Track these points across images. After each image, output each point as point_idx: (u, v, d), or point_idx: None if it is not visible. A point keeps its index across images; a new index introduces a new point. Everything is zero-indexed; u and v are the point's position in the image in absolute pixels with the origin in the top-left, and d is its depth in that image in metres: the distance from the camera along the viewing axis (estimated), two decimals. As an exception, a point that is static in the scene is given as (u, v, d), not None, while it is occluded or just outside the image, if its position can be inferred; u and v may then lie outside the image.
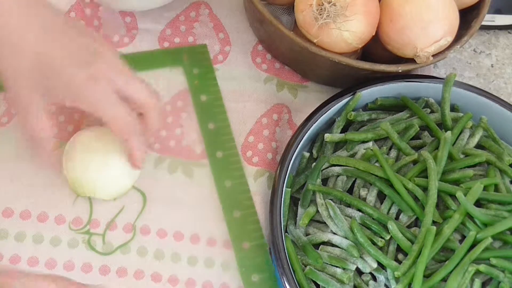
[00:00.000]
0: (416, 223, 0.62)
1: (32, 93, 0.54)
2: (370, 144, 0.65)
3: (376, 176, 0.62)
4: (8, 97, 0.58)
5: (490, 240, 0.59)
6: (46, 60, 0.54)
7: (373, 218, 0.61)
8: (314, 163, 0.65)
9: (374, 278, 0.60)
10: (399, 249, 0.60)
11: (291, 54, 0.70)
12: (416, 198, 0.62)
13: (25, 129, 0.56)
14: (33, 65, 0.53)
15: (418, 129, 0.67)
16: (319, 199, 0.62)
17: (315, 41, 0.64)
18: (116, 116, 0.56)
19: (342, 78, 0.70)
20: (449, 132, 0.64)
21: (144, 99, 0.58)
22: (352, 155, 0.65)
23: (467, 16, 0.69)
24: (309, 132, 0.65)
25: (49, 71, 0.54)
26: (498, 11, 0.81)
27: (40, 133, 0.56)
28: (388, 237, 0.60)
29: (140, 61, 0.71)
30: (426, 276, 0.58)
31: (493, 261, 0.58)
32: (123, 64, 0.57)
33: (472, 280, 0.58)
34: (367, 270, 0.60)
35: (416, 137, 0.67)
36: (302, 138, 0.64)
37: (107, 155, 0.60)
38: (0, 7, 0.53)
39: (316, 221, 0.63)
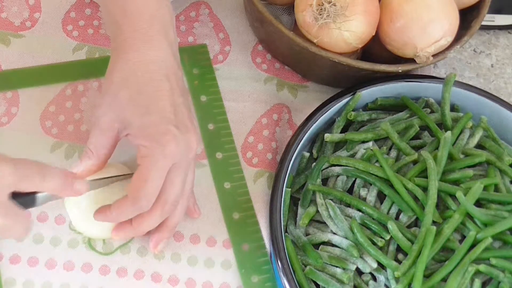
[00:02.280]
0: (416, 223, 0.62)
1: (115, 123, 0.54)
2: (370, 144, 0.65)
3: (376, 176, 0.62)
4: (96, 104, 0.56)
5: (490, 240, 0.59)
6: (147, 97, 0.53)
7: (373, 218, 0.61)
8: (314, 163, 0.65)
9: (374, 278, 0.60)
10: (399, 249, 0.60)
11: (291, 54, 0.70)
12: (416, 198, 0.62)
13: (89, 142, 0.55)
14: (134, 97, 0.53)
15: (418, 129, 0.67)
16: (319, 199, 0.62)
17: (315, 41, 0.65)
18: (153, 185, 0.53)
19: (342, 78, 0.70)
20: (449, 132, 0.64)
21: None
22: (352, 155, 0.65)
23: (467, 16, 0.69)
24: (309, 132, 0.65)
25: (144, 109, 0.53)
26: (498, 11, 0.81)
27: (94, 149, 0.55)
28: (388, 237, 0.60)
29: (140, 61, 0.71)
30: (426, 276, 0.58)
31: (493, 261, 0.58)
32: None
33: (472, 280, 0.58)
34: (367, 270, 0.60)
35: (416, 137, 0.67)
36: (302, 138, 0.64)
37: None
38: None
39: (316, 221, 0.63)
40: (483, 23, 0.70)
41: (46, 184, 0.49)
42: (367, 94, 0.68)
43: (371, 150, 0.64)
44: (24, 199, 0.51)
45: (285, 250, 0.59)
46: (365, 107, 0.69)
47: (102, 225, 0.57)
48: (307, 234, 0.62)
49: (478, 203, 0.62)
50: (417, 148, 0.66)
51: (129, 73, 0.54)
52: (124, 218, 0.54)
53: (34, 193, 0.51)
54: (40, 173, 0.48)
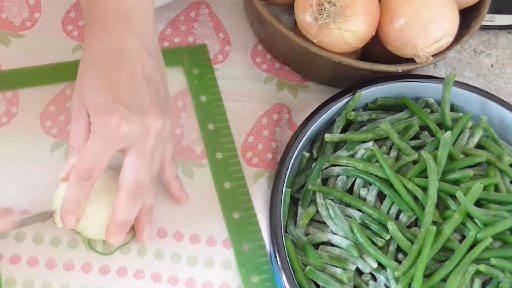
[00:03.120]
0: (416, 223, 0.62)
1: (83, 108, 0.56)
2: (370, 144, 0.65)
3: (376, 176, 0.62)
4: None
5: (490, 240, 0.59)
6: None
7: (373, 218, 0.61)
8: (314, 163, 0.65)
9: (374, 278, 0.60)
10: (399, 249, 0.60)
11: (291, 54, 0.70)
12: (416, 198, 0.62)
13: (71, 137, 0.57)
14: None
15: (418, 129, 0.67)
16: (319, 199, 0.62)
17: (315, 41, 0.65)
18: (92, 156, 0.55)
19: (342, 78, 0.70)
20: (449, 132, 0.64)
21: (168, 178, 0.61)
22: (352, 155, 0.65)
23: (467, 16, 0.69)
24: (309, 132, 0.65)
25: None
26: (498, 11, 0.81)
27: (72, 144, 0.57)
28: (388, 237, 0.60)
29: (140, 61, 0.71)
30: (426, 276, 0.58)
31: (493, 261, 0.58)
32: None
33: (472, 280, 0.58)
34: (367, 270, 0.60)
35: (416, 137, 0.67)
36: (302, 138, 0.64)
37: (107, 198, 0.58)
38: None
39: (316, 221, 0.63)
40: (483, 23, 0.70)
41: None
42: (367, 94, 0.68)
43: (371, 150, 0.64)
44: None
45: (285, 250, 0.59)
46: (365, 107, 0.69)
47: (98, 226, 0.58)
48: (307, 234, 0.62)
49: (478, 203, 0.62)
50: (417, 148, 0.66)
51: (91, 61, 0.56)
52: (76, 194, 0.55)
53: None
54: None
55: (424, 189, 0.61)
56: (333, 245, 0.61)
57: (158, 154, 0.58)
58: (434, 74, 0.77)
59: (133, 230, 0.61)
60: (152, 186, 0.59)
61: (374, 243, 0.60)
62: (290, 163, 0.63)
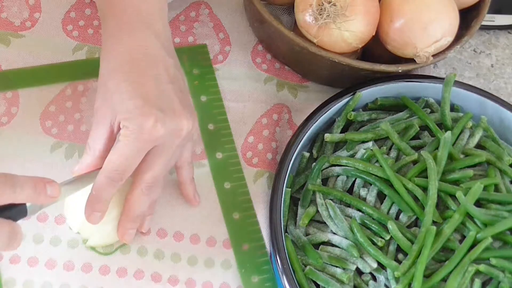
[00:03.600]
0: (416, 223, 0.62)
1: (107, 113, 0.55)
2: (370, 144, 0.65)
3: (376, 176, 0.62)
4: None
5: (490, 240, 0.59)
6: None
7: (373, 218, 0.61)
8: (314, 163, 0.65)
9: (374, 278, 0.60)
10: (399, 249, 0.60)
11: (291, 54, 0.70)
12: (416, 198, 0.62)
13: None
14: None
15: (418, 129, 0.67)
16: (319, 199, 0.62)
17: (315, 41, 0.65)
18: (126, 160, 0.54)
19: (342, 78, 0.70)
20: (449, 132, 0.64)
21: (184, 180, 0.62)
22: (352, 155, 0.65)
23: (467, 16, 0.69)
24: (309, 132, 0.65)
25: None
26: (498, 11, 0.81)
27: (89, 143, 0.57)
28: (388, 237, 0.60)
29: (140, 61, 0.71)
30: (426, 276, 0.58)
31: (493, 261, 0.58)
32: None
33: (472, 280, 0.58)
34: (367, 270, 0.60)
35: (416, 137, 0.67)
36: (302, 138, 0.64)
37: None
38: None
39: (316, 221, 0.63)
40: (483, 23, 0.70)
41: (18, 195, 0.49)
42: (367, 94, 0.68)
43: (371, 150, 0.64)
44: (14, 210, 0.51)
45: (285, 250, 0.59)
46: (365, 107, 0.69)
47: (102, 230, 0.58)
48: (307, 234, 0.62)
49: (478, 203, 0.62)
50: (417, 148, 0.66)
51: (114, 64, 0.56)
52: (104, 195, 0.55)
53: (24, 204, 0.51)
54: (9, 185, 0.49)
55: (424, 189, 0.61)
56: (333, 245, 0.61)
57: (179, 153, 0.59)
58: (434, 74, 0.77)
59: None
60: (161, 182, 0.59)
61: (374, 243, 0.60)
62: (290, 163, 0.63)
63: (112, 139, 0.55)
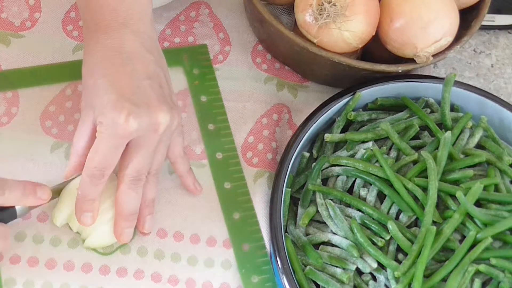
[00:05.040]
0: (416, 223, 0.62)
1: (89, 111, 0.56)
2: (370, 144, 0.65)
3: (376, 176, 0.62)
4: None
5: (490, 240, 0.59)
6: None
7: (373, 218, 0.61)
8: (314, 163, 0.65)
9: (374, 278, 0.60)
10: (399, 249, 0.60)
11: (291, 54, 0.70)
12: (416, 198, 0.62)
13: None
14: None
15: (418, 129, 0.67)
16: (319, 199, 0.62)
17: (315, 41, 0.65)
18: (102, 156, 0.55)
19: (342, 78, 0.70)
20: (449, 132, 0.64)
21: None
22: (352, 155, 0.65)
23: (467, 16, 0.69)
24: (309, 132, 0.65)
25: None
26: (498, 11, 0.81)
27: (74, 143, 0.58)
28: (388, 237, 0.60)
29: (140, 61, 0.71)
30: (426, 276, 0.58)
31: (493, 261, 0.58)
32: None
33: (472, 280, 0.58)
34: (367, 270, 0.60)
35: (416, 137, 0.67)
36: (302, 138, 0.64)
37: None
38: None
39: (316, 221, 0.63)
40: (483, 23, 0.70)
41: (7, 197, 0.51)
42: (367, 94, 0.68)
43: (371, 150, 0.64)
44: (5, 213, 0.54)
45: (285, 250, 0.59)
46: (365, 107, 0.69)
47: (100, 231, 0.59)
48: (307, 234, 0.62)
49: (478, 203, 0.62)
50: (417, 148, 0.66)
51: (92, 63, 0.57)
52: (89, 194, 0.56)
53: (13, 206, 0.53)
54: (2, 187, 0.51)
55: (424, 189, 0.61)
56: (333, 245, 0.61)
57: (164, 149, 0.59)
58: (434, 74, 0.77)
59: (133, 230, 0.61)
60: (154, 180, 0.60)
61: (374, 243, 0.60)
62: (290, 163, 0.63)
63: (93, 136, 0.56)
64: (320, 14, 0.62)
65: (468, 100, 0.69)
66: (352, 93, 0.67)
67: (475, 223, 0.60)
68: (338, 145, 0.67)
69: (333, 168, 0.65)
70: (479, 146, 0.67)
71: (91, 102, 0.56)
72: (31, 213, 0.61)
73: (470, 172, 0.63)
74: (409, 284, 0.57)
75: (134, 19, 0.58)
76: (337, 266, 0.59)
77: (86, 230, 0.59)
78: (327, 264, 0.60)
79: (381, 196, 0.63)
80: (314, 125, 0.65)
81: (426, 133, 0.68)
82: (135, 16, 0.58)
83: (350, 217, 0.61)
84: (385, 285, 0.59)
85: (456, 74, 0.69)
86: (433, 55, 0.65)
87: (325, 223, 0.62)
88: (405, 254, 0.60)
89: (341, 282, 0.59)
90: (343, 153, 0.66)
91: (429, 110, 0.69)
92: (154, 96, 0.56)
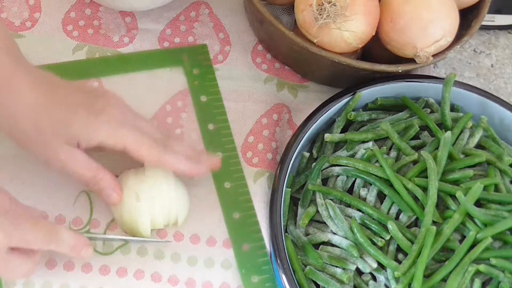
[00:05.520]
0: (416, 223, 0.62)
1: (64, 146, 0.57)
2: (370, 144, 0.65)
3: (376, 176, 0.62)
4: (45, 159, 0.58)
5: (490, 240, 0.59)
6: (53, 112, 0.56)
7: (373, 218, 0.61)
8: (314, 163, 0.65)
9: (374, 278, 0.60)
10: (399, 249, 0.60)
11: (291, 54, 0.70)
12: (416, 198, 0.62)
13: (80, 177, 0.59)
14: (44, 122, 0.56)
15: (418, 129, 0.67)
16: (319, 199, 0.62)
17: (315, 41, 0.65)
18: (137, 141, 0.58)
19: (342, 78, 0.70)
20: (449, 132, 0.64)
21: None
22: (352, 155, 0.65)
23: (467, 16, 0.69)
24: (309, 132, 0.65)
25: (61, 120, 0.56)
26: (498, 11, 0.81)
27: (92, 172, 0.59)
28: (388, 237, 0.60)
29: (140, 61, 0.71)
30: (426, 276, 0.58)
31: (493, 261, 0.58)
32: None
33: (472, 280, 0.58)
34: (367, 270, 0.60)
35: (416, 137, 0.67)
36: (302, 138, 0.64)
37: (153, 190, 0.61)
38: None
39: (316, 221, 0.63)
40: (483, 23, 0.70)
41: (57, 249, 0.54)
42: (367, 94, 0.68)
43: (371, 150, 0.64)
44: None
45: (285, 250, 0.59)
46: (365, 107, 0.69)
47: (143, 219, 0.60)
48: (307, 234, 0.62)
49: (478, 203, 0.62)
50: (417, 148, 0.66)
51: None
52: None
53: None
54: (54, 240, 0.54)
55: (424, 189, 0.61)
56: (333, 245, 0.61)
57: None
58: (434, 74, 0.77)
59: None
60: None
61: (374, 243, 0.60)
62: (290, 163, 0.63)
63: (85, 155, 0.58)
64: (320, 14, 0.62)
65: (468, 100, 0.69)
66: (352, 93, 0.67)
67: (475, 223, 0.60)
68: (338, 145, 0.67)
69: (333, 168, 0.65)
70: (479, 146, 0.67)
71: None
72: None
73: (470, 172, 0.63)
74: (409, 284, 0.57)
75: None
76: (337, 266, 0.60)
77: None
78: (327, 264, 0.60)
79: (381, 196, 0.63)
80: (314, 125, 0.65)
81: (426, 133, 0.68)
82: None
83: (350, 217, 0.61)
84: (385, 285, 0.59)
85: (456, 74, 0.70)
86: (433, 55, 0.65)
87: (325, 223, 0.62)
88: (405, 254, 0.60)
89: (341, 282, 0.59)
90: (343, 153, 0.66)
91: (429, 110, 0.69)
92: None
